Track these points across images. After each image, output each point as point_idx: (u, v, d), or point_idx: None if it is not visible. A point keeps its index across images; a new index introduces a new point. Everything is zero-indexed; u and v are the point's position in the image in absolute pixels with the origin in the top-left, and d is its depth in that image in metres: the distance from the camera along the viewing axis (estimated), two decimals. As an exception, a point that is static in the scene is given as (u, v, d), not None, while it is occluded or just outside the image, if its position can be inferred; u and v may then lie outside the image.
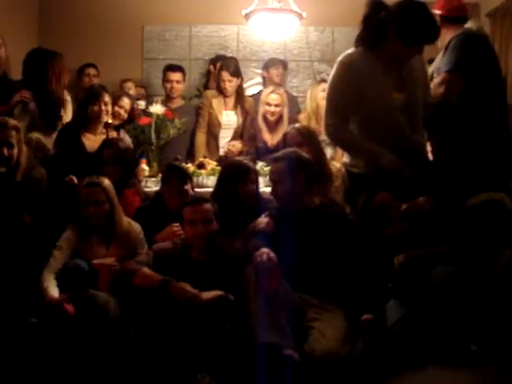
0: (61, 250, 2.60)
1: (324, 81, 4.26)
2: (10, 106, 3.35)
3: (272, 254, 2.30)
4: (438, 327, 1.95)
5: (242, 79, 4.42)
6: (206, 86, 4.81)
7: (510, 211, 2.10)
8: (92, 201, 2.64)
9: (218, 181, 3.06)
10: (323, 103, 4.02)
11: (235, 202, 2.82)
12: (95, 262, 2.50)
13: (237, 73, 4.30)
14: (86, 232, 2.69)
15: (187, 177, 3.04)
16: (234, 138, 4.24)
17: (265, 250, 2.32)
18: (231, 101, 4.34)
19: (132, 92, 4.58)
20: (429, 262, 2.09)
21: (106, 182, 2.72)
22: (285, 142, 3.30)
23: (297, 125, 3.51)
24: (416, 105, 2.59)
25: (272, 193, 2.70)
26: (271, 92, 4.11)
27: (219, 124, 4.29)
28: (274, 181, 2.67)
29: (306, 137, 3.22)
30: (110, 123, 3.49)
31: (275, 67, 4.77)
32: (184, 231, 2.60)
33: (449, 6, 3.05)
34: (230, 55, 5.10)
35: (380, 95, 2.55)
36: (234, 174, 2.90)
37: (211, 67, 4.86)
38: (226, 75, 4.27)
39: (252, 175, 2.93)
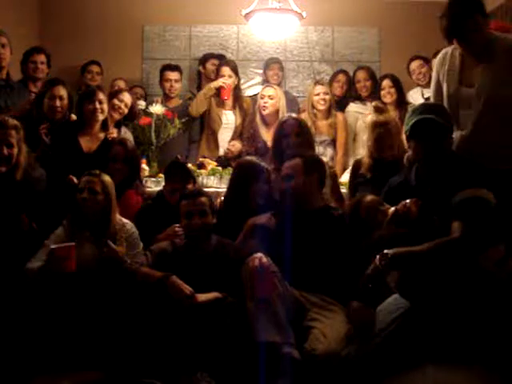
0: (46, 248, 2.58)
1: (319, 83, 4.27)
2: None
3: (264, 260, 2.30)
4: (435, 326, 1.95)
5: (239, 80, 4.44)
6: (199, 88, 4.77)
7: (493, 207, 2.08)
8: (88, 188, 2.66)
9: (231, 182, 3.04)
10: (318, 105, 4.08)
11: (247, 203, 2.81)
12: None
13: (236, 71, 4.33)
14: (79, 228, 2.68)
15: (191, 176, 3.06)
16: (233, 138, 4.25)
17: (258, 255, 2.32)
18: (229, 101, 4.34)
19: None
20: (413, 260, 2.07)
21: (107, 177, 2.74)
22: (280, 130, 3.18)
23: (293, 114, 3.45)
24: (489, 101, 2.47)
25: (282, 188, 2.68)
26: (266, 87, 4.17)
27: (220, 122, 4.30)
28: (288, 176, 2.66)
29: (303, 127, 3.18)
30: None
31: (270, 68, 4.77)
32: (181, 225, 2.62)
33: None
34: (229, 55, 5.15)
35: (448, 88, 2.56)
36: (247, 174, 2.88)
37: (201, 68, 4.85)
38: (226, 70, 4.30)
39: (264, 175, 2.90)
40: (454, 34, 2.50)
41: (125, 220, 2.75)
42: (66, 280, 2.45)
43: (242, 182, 2.88)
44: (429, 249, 2.05)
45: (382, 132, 2.95)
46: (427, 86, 4.09)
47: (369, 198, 2.38)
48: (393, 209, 2.23)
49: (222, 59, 4.69)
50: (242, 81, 4.64)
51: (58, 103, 3.39)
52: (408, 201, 2.18)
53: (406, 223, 2.15)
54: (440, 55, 2.72)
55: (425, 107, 2.42)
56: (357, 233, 2.40)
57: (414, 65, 4.29)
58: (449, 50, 2.66)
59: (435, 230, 2.12)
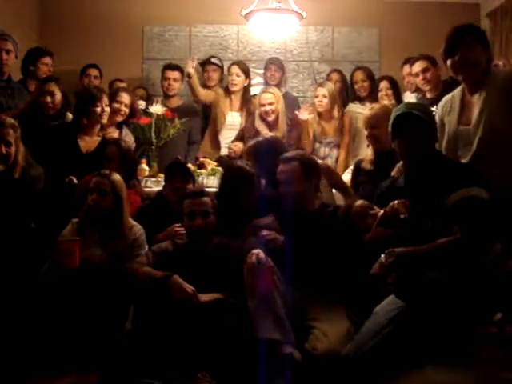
0: None
1: (320, 85, 4.27)
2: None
3: (262, 255, 2.30)
4: (431, 326, 1.94)
5: (250, 82, 4.44)
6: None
7: (488, 203, 2.07)
8: (97, 189, 2.65)
9: (221, 187, 3.00)
10: (317, 107, 4.07)
11: (238, 208, 2.80)
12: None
13: (246, 72, 4.35)
14: (87, 229, 2.68)
15: (190, 176, 3.08)
16: (237, 138, 4.25)
17: (255, 251, 2.32)
18: (237, 102, 4.38)
19: None
20: (418, 260, 2.07)
21: (117, 177, 2.73)
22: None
23: (260, 138, 3.37)
24: (484, 137, 2.46)
25: (279, 192, 2.67)
26: (263, 92, 4.14)
27: (224, 122, 4.32)
28: (284, 181, 2.64)
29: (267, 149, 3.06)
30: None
31: (268, 68, 4.77)
32: (183, 224, 2.62)
33: None
34: (229, 55, 5.17)
35: (449, 128, 2.55)
36: (237, 183, 2.84)
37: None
38: (235, 68, 4.34)
39: (254, 181, 2.87)
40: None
41: (133, 222, 2.75)
42: (71, 281, 2.44)
43: (232, 189, 2.83)
44: (434, 248, 2.04)
45: (374, 124, 2.96)
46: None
47: (359, 202, 2.37)
48: (382, 211, 2.22)
49: (212, 63, 4.67)
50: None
51: (48, 99, 3.41)
52: (396, 202, 2.17)
53: (394, 224, 2.14)
54: (444, 99, 2.74)
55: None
56: (348, 237, 2.39)
57: (405, 71, 4.22)
58: (450, 96, 2.69)
59: (426, 230, 2.12)
